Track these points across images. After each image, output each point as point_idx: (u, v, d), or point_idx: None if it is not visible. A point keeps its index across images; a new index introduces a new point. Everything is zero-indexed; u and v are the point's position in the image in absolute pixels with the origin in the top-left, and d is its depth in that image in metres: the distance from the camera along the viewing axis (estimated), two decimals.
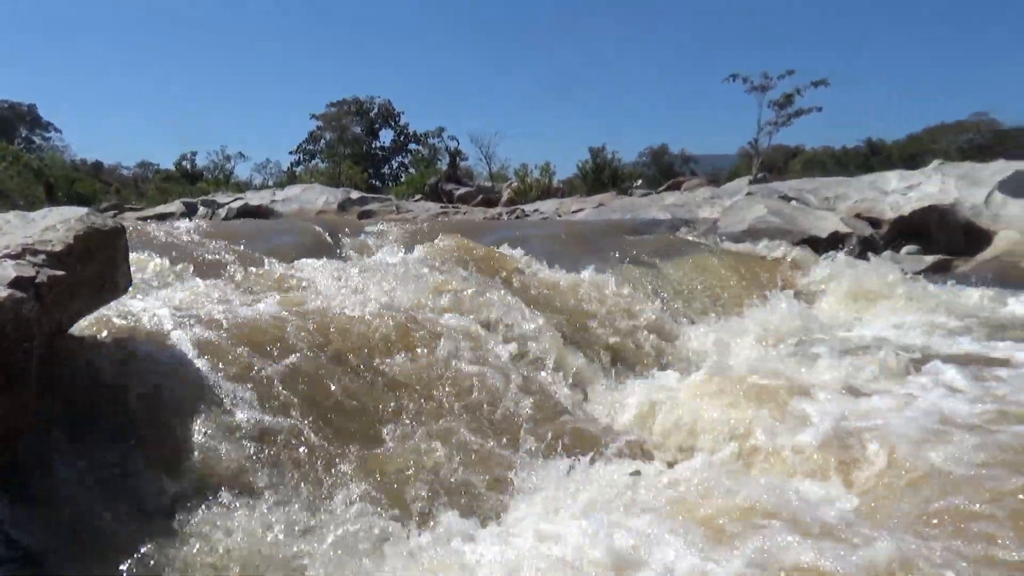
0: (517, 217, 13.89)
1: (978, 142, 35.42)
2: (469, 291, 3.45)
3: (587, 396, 3.18)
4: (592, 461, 2.44)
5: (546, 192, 18.39)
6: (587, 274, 4.65)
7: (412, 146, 34.80)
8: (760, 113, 21.97)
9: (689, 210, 11.05)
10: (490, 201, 18.07)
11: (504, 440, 2.46)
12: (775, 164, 38.83)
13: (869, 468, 2.30)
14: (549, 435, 2.53)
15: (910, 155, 34.85)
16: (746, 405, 2.72)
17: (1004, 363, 3.42)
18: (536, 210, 14.87)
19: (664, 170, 37.80)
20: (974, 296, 5.28)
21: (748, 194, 10.76)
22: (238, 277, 3.67)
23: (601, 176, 19.40)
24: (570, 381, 3.31)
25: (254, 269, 3.86)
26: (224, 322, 2.53)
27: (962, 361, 3.48)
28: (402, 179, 30.32)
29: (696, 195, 13.08)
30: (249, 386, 2.22)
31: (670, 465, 2.51)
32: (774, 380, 3.07)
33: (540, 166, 20.05)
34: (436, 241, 5.28)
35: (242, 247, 5.29)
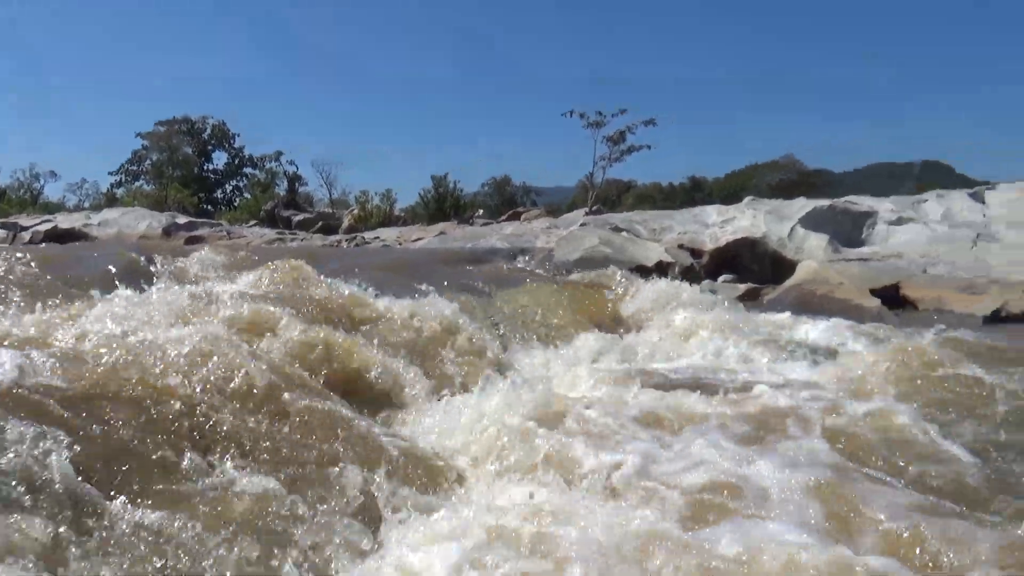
0: (357, 245, 13.62)
1: (786, 181, 39.04)
2: (287, 323, 3.28)
3: (411, 425, 3.09)
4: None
5: (387, 220, 18.23)
6: (421, 303, 4.59)
7: (248, 170, 33.34)
8: (596, 148, 23.06)
9: (527, 239, 11.31)
10: (330, 228, 17.64)
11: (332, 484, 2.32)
12: (609, 197, 40.76)
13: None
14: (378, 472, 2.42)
15: (728, 191, 37.90)
16: (565, 431, 2.75)
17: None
18: (377, 237, 14.68)
19: (507, 200, 38.58)
20: (776, 320, 5.73)
21: (583, 224, 11.19)
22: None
23: (443, 205, 19.53)
24: (398, 412, 3.22)
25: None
26: None
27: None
28: (236, 204, 28.91)
29: (534, 225, 13.45)
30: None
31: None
32: (597, 406, 3.14)
33: (382, 193, 19.87)
34: (266, 269, 5.02)
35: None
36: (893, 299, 6.99)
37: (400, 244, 13.26)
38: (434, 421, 2.94)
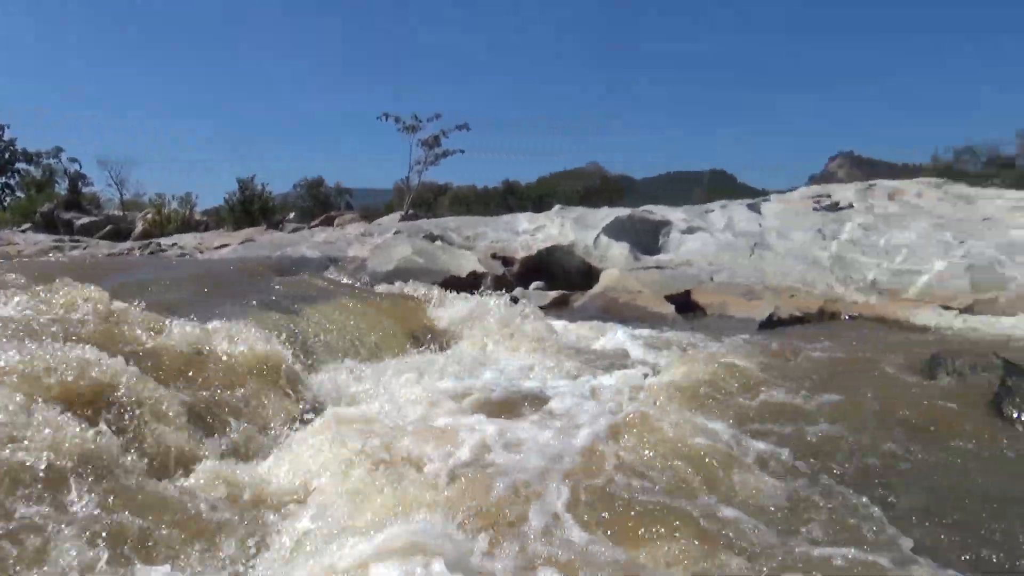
0: (152, 253, 12.58)
1: (592, 187, 41.21)
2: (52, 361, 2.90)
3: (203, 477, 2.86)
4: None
5: (187, 224, 16.99)
6: (220, 328, 4.28)
7: (20, 166, 29.66)
8: (411, 152, 22.95)
9: (339, 248, 11.02)
10: (120, 233, 16.13)
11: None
12: (426, 200, 40.81)
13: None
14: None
15: (540, 195, 39.36)
16: (366, 452, 2.68)
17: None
18: (175, 244, 13.64)
19: (321, 202, 37.40)
20: (580, 331, 6.01)
21: (396, 232, 11.09)
22: None
23: (250, 209, 18.53)
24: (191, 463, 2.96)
25: None
26: None
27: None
28: (6, 204, 25.61)
29: (348, 231, 13.13)
30: None
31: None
32: (413, 437, 3.10)
33: (181, 196, 18.47)
34: (35, 288, 4.45)
35: None
36: (685, 304, 7.57)
37: (201, 252, 12.41)
38: (233, 470, 2.72)
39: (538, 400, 3.92)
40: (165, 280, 6.76)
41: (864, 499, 2.80)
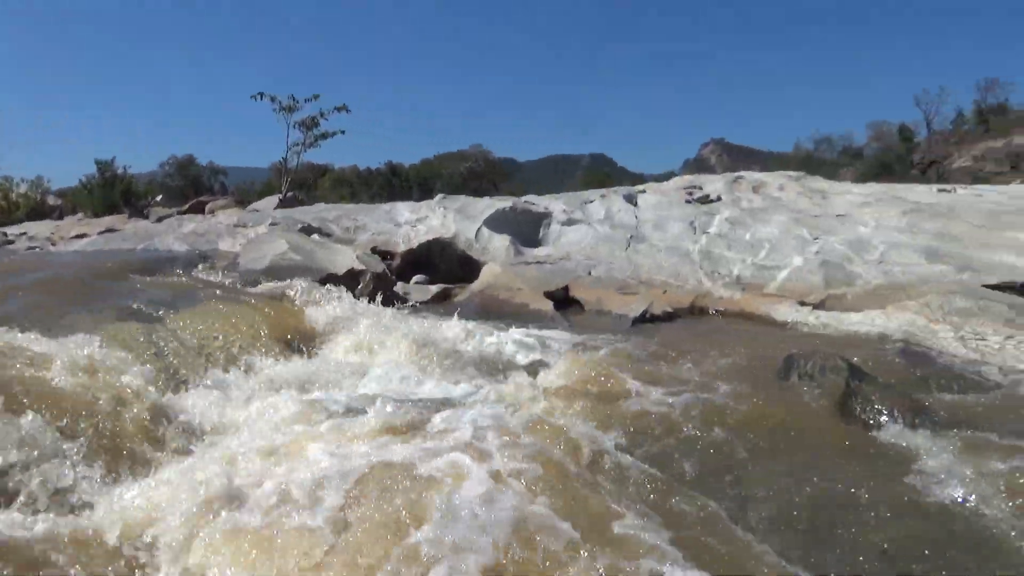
0: None
1: (476, 169, 41.19)
2: None
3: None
4: None
5: (39, 211, 15.65)
6: (64, 343, 3.97)
7: None
8: (289, 133, 22.08)
9: (210, 240, 10.49)
10: None
11: None
12: (306, 181, 39.53)
13: None
14: None
15: (424, 178, 38.99)
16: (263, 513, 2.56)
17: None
18: (24, 234, 12.56)
19: (192, 181, 35.49)
20: (460, 331, 5.98)
21: (272, 224, 10.67)
22: None
23: (111, 193, 17.27)
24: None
25: None
26: None
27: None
28: None
29: (219, 222, 12.52)
30: None
31: None
32: (284, 465, 3.00)
33: (31, 180, 16.97)
34: None
35: None
36: (564, 300, 7.71)
37: (54, 244, 11.47)
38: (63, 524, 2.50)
39: (418, 413, 3.87)
40: (6, 282, 6.22)
41: (715, 503, 2.97)
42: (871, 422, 3.78)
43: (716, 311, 7.12)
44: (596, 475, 3.19)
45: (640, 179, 33.61)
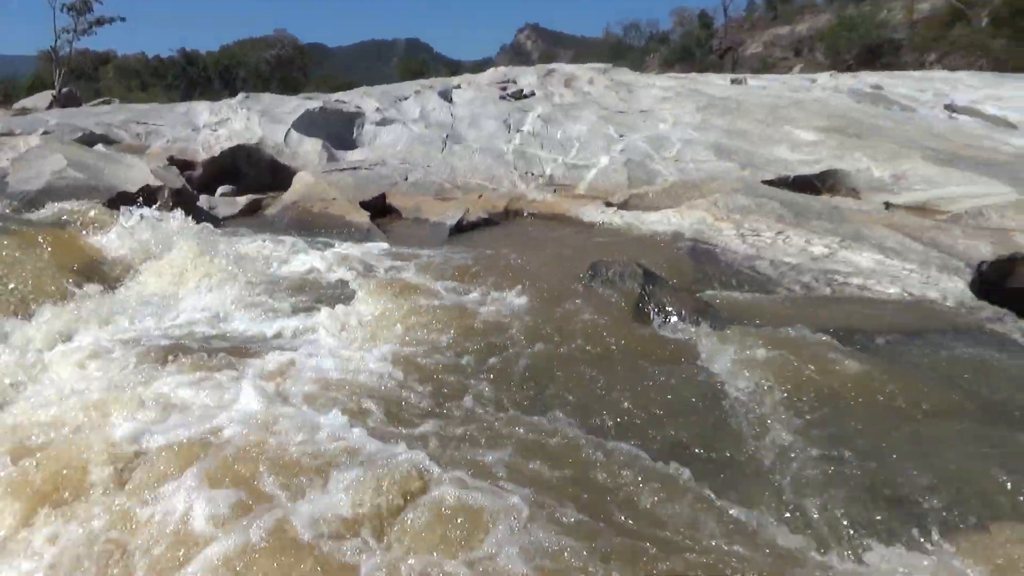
0: None
1: (284, 56, 38.41)
2: None
3: None
4: None
5: None
6: None
7: None
8: (55, 18, 19.28)
9: None
10: None
11: None
12: (85, 70, 35.11)
13: None
14: None
15: (224, 67, 35.84)
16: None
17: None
18: None
19: None
20: (273, 251, 5.77)
21: (45, 134, 9.47)
22: None
23: None
24: None
25: None
26: None
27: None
28: None
29: None
30: None
31: None
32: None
33: None
34: None
35: None
36: (381, 209, 7.62)
37: None
38: None
39: (227, 351, 3.76)
40: None
41: (516, 411, 3.20)
42: (663, 323, 4.17)
43: (530, 214, 7.35)
44: (406, 393, 3.30)
45: (458, 68, 33.01)
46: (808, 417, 3.08)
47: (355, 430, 2.76)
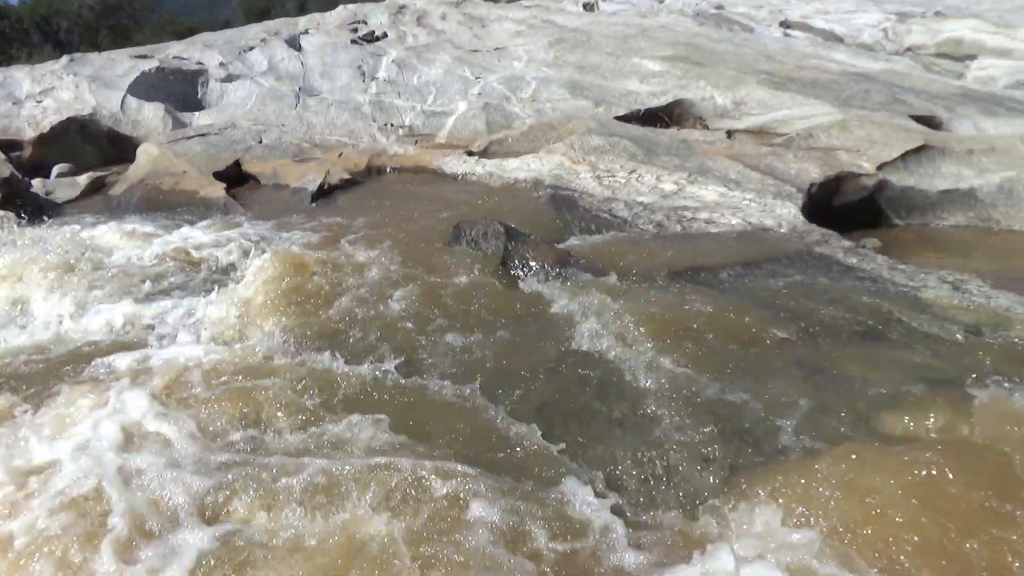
0: None
1: (110, 2, 35.08)
2: None
3: None
4: None
5: None
6: None
7: None
8: None
9: None
10: None
11: None
12: None
13: None
14: None
15: (42, 18, 32.41)
16: None
17: None
18: None
19: None
20: (123, 240, 5.47)
21: None
22: None
23: None
24: None
25: None
26: None
27: None
28: None
29: None
30: None
31: None
32: None
33: None
34: None
35: None
36: (238, 178, 7.32)
37: None
38: None
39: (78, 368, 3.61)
40: None
41: (395, 374, 3.30)
42: (527, 279, 4.33)
43: (393, 169, 7.28)
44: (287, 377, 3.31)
45: (305, 2, 31.18)
46: (661, 360, 3.33)
47: (224, 428, 2.79)
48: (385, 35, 11.98)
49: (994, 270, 4.73)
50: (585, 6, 14.50)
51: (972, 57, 8.94)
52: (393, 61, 10.09)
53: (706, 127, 7.30)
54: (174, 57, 10.99)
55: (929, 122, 6.47)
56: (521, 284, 4.31)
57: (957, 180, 5.58)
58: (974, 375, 2.99)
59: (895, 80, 7.54)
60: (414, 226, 5.35)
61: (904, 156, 5.70)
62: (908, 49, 9.59)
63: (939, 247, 5.52)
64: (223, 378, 3.30)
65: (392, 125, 8.25)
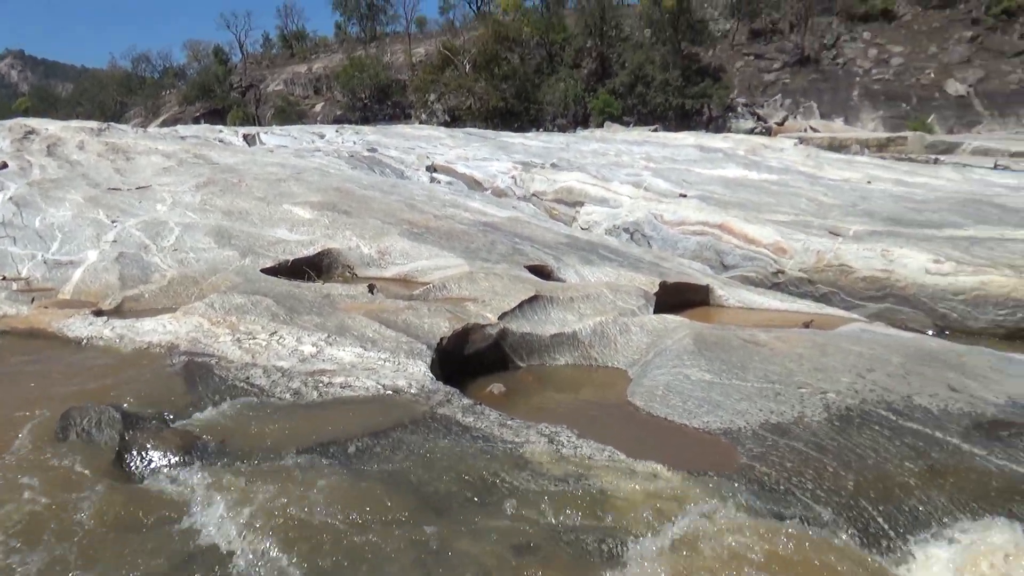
0: None
1: None
2: None
3: None
4: None
5: None
6: None
7: None
8: None
9: None
10: None
11: None
12: None
13: None
14: None
15: None
16: None
17: None
18: None
19: None
20: None
21: None
22: None
23: None
24: None
25: None
26: None
27: None
28: None
29: None
30: None
31: None
32: None
33: None
34: None
35: None
36: None
37: None
38: None
39: None
40: None
41: None
42: (149, 475, 4.05)
43: (3, 333, 6.41)
44: None
45: None
46: (282, 562, 3.32)
47: None
48: (5, 165, 10.71)
49: (596, 398, 5.65)
50: (246, 137, 14.52)
51: (580, 204, 10.66)
52: (11, 199, 9.02)
53: (355, 275, 7.64)
54: None
55: (542, 271, 7.53)
56: (143, 482, 4.03)
57: (563, 325, 6.52)
58: (558, 533, 3.46)
59: (517, 229, 8.67)
60: (17, 416, 4.72)
61: (521, 305, 6.52)
62: (534, 194, 11.12)
63: (554, 384, 6.34)
64: None
65: (5, 279, 7.31)
